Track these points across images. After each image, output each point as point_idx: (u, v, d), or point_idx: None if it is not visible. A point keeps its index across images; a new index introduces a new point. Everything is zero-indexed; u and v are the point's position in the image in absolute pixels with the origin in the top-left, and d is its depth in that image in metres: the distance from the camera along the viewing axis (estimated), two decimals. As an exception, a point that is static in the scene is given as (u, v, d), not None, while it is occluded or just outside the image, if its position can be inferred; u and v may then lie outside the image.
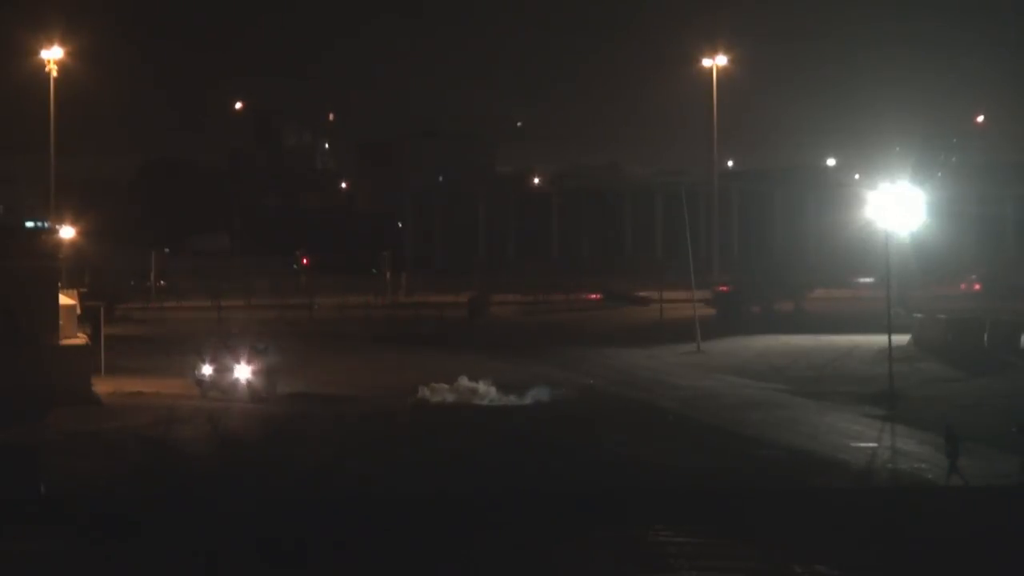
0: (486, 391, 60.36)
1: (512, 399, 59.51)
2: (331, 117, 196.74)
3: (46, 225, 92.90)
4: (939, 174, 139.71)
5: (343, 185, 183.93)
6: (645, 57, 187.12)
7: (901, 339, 71.75)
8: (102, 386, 60.57)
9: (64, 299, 64.42)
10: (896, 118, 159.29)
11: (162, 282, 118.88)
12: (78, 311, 67.55)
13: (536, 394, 60.14)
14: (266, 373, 59.68)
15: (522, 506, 38.13)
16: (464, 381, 61.04)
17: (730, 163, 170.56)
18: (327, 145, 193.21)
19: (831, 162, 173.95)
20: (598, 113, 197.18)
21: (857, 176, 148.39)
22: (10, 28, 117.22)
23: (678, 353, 77.42)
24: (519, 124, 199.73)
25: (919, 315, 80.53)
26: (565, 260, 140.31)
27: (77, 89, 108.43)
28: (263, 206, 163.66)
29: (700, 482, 41.61)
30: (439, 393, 59.94)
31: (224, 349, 60.57)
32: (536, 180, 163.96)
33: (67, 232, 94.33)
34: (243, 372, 59.45)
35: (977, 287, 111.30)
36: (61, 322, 62.50)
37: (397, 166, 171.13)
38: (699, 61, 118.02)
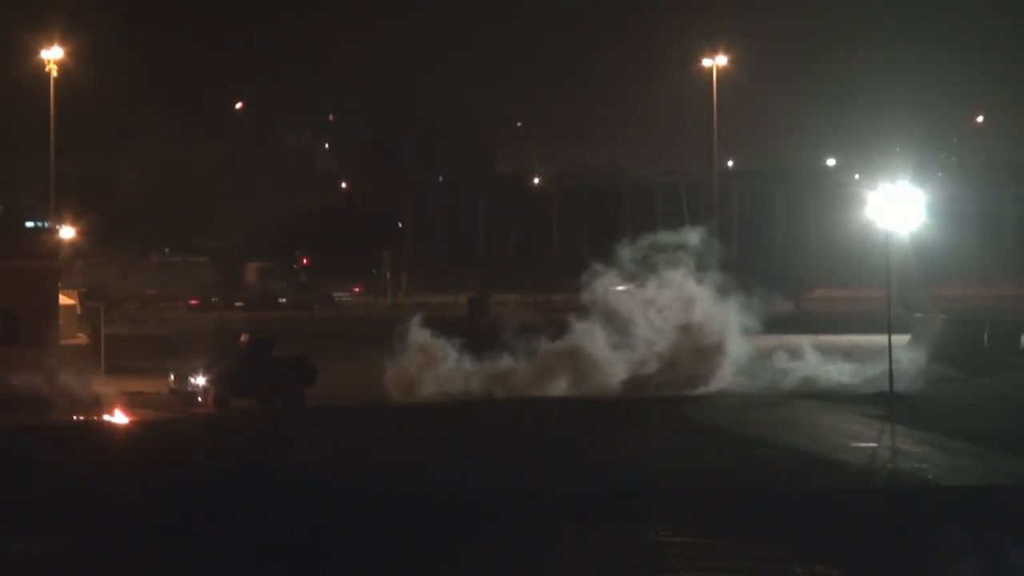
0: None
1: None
2: (331, 117, 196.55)
3: (46, 225, 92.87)
4: (939, 174, 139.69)
5: (343, 185, 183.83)
6: (645, 57, 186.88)
7: (901, 339, 71.74)
8: (102, 386, 60.55)
9: (64, 299, 64.44)
10: (896, 118, 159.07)
11: (162, 282, 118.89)
12: (78, 311, 67.59)
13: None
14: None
15: (520, 505, 38.11)
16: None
17: (730, 163, 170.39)
18: (327, 145, 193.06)
19: (831, 162, 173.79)
20: (598, 113, 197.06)
21: (857, 176, 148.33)
22: (10, 28, 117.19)
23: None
24: (519, 124, 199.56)
25: (919, 315, 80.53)
26: (565, 260, 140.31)
27: (77, 89, 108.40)
28: (263, 206, 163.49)
29: (700, 482, 41.60)
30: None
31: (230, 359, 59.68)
32: (536, 180, 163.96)
33: (67, 232, 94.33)
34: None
35: None
36: (61, 322, 62.51)
37: (397, 166, 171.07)
38: (699, 61, 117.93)
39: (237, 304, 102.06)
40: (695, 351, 62.20)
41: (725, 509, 37.87)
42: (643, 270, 63.56)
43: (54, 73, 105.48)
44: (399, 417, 55.85)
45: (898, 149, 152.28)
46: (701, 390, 60.71)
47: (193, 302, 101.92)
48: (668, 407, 57.38)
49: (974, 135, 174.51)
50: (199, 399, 57.59)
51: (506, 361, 61.99)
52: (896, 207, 61.29)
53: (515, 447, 48.01)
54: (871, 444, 48.14)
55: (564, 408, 57.28)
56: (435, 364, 61.41)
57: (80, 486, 40.88)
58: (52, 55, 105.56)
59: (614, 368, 61.99)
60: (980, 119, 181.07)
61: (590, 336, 62.25)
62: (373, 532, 35.43)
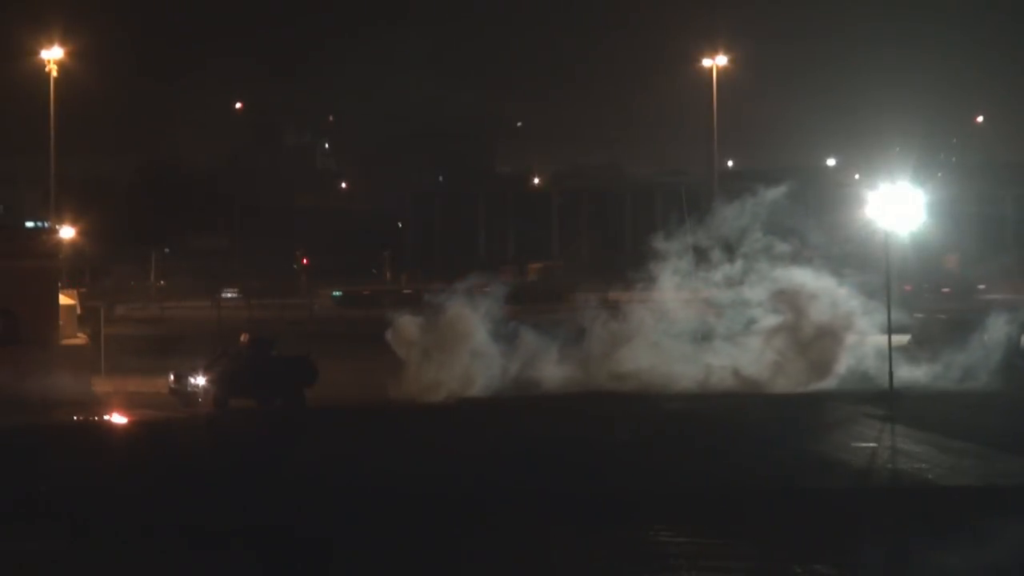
0: None
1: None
2: (331, 118, 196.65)
3: (46, 225, 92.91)
4: (939, 174, 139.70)
5: (343, 185, 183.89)
6: (645, 57, 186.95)
7: (901, 339, 71.73)
8: (102, 386, 60.56)
9: (64, 299, 64.42)
10: (896, 118, 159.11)
11: (162, 282, 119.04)
12: (78, 311, 67.58)
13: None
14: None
15: (522, 505, 38.10)
16: None
17: (730, 163, 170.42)
18: (327, 145, 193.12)
19: (831, 162, 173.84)
20: (598, 113, 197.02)
21: (857, 176, 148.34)
22: (10, 28, 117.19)
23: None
24: (519, 124, 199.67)
25: (919, 315, 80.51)
26: (565, 260, 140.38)
27: (77, 89, 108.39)
28: (263, 206, 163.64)
29: (700, 481, 41.59)
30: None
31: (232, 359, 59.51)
32: (536, 180, 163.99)
33: (67, 232, 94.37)
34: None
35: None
36: (61, 322, 62.50)
37: (397, 166, 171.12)
38: (699, 61, 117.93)
39: (944, 290, 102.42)
40: (810, 345, 61.34)
41: (725, 509, 37.86)
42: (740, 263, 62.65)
43: (54, 73, 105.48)
44: (398, 418, 55.81)
45: (898, 149, 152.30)
46: (815, 386, 60.31)
47: (907, 287, 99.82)
48: (667, 404, 57.42)
49: (974, 135, 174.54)
50: (199, 399, 57.41)
51: (549, 350, 61.51)
52: (896, 207, 61.23)
53: (515, 447, 47.97)
54: (871, 444, 48.12)
55: (569, 405, 57.25)
56: (467, 339, 60.82)
57: (80, 486, 40.89)
58: (52, 55, 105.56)
59: (690, 365, 61.20)
60: (980, 119, 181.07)
61: (652, 332, 61.36)
62: (374, 531, 35.42)
